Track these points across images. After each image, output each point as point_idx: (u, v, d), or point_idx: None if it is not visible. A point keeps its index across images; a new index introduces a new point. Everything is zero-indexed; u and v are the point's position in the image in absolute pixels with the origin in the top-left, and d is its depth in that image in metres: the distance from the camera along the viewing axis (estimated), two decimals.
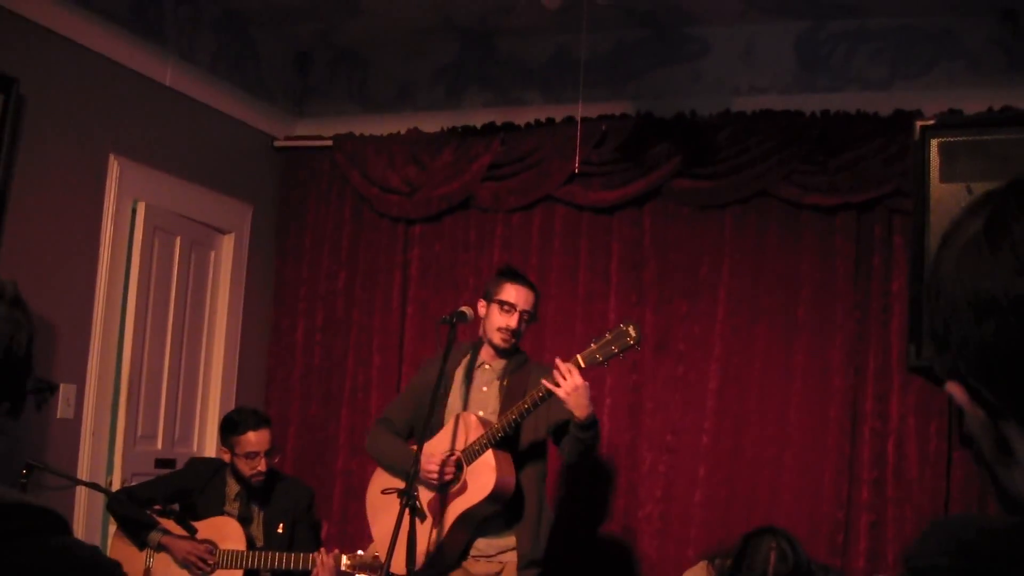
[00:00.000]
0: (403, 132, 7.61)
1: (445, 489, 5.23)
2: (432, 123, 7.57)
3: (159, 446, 6.96)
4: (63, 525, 1.72)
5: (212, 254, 7.51)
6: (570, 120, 7.06)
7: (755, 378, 6.79)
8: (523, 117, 7.33)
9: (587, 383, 4.96)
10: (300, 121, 8.05)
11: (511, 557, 5.26)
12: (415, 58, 7.73)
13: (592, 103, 6.98)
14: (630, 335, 4.91)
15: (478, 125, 7.41)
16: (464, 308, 5.22)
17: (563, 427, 5.20)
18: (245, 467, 5.79)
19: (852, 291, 6.67)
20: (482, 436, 5.15)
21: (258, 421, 5.83)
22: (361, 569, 5.43)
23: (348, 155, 7.65)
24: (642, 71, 7.24)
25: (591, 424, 5.02)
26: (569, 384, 4.89)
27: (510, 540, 5.27)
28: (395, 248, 7.58)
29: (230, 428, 5.86)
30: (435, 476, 5.15)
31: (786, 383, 6.74)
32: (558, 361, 4.99)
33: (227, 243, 7.60)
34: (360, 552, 5.48)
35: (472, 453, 5.17)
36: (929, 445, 6.51)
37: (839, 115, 6.65)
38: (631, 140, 6.97)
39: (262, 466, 5.78)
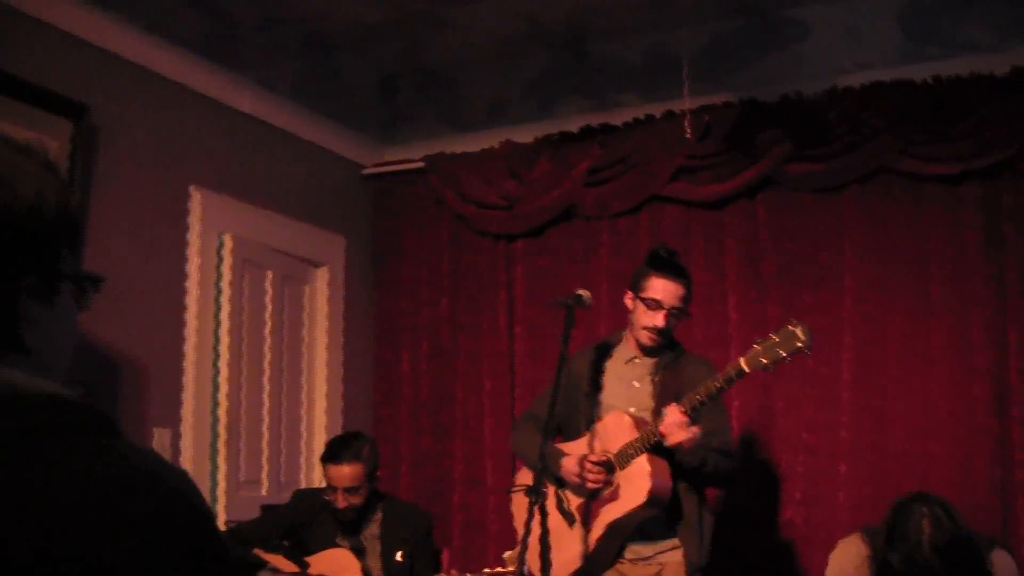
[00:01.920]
0: (497, 146, 7.41)
1: (596, 495, 4.95)
2: (527, 136, 7.34)
3: (264, 492, 6.71)
4: (113, 425, 1.44)
5: (306, 288, 7.30)
6: (670, 115, 6.85)
7: (891, 365, 6.44)
8: (621, 118, 7.08)
9: (697, 434, 4.72)
10: (388, 147, 7.86)
11: (671, 557, 4.97)
12: (504, 72, 7.53)
13: (693, 97, 6.71)
14: (799, 337, 4.64)
15: (575, 130, 7.18)
16: (581, 291, 4.87)
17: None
18: (331, 499, 5.59)
19: (985, 264, 6.32)
20: (636, 440, 4.86)
21: (337, 454, 5.54)
22: None
23: (441, 175, 7.45)
24: (743, 60, 6.97)
25: (701, 468, 4.83)
26: (679, 436, 4.68)
27: (671, 543, 4.98)
28: (497, 267, 7.37)
29: (322, 457, 5.68)
30: (577, 479, 4.91)
31: (925, 368, 6.38)
32: (670, 410, 4.74)
33: (321, 276, 7.39)
34: (487, 570, 5.07)
35: (625, 457, 4.88)
36: None
37: (952, 80, 6.32)
38: (737, 129, 6.67)
39: (340, 502, 5.53)
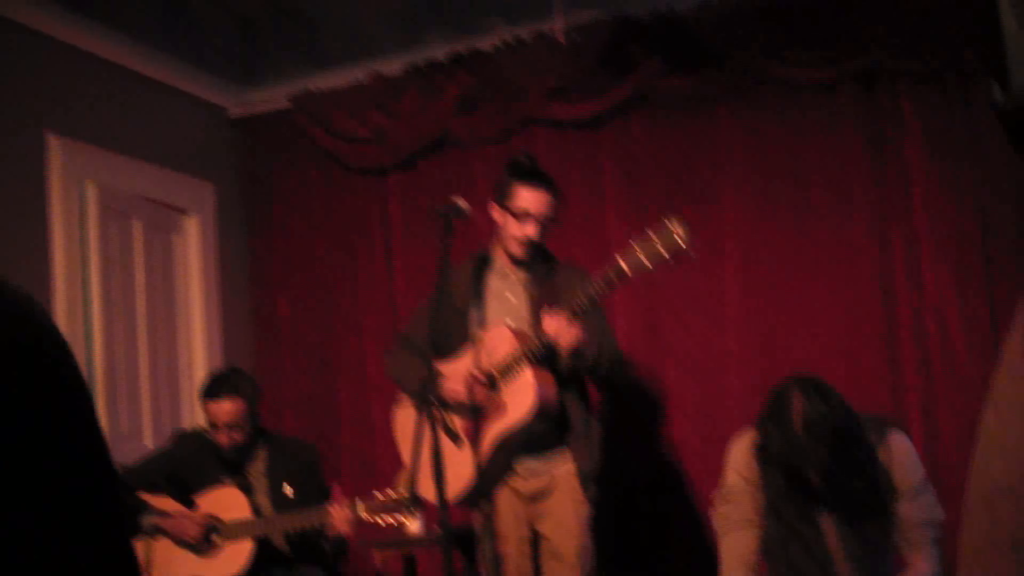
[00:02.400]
0: (364, 80, 7.22)
1: (480, 411, 4.77)
2: (394, 67, 7.16)
3: (148, 443, 6.49)
4: None
5: (176, 237, 7.09)
6: (541, 37, 6.69)
7: (776, 275, 6.41)
8: (490, 43, 6.91)
9: (582, 336, 4.60)
10: (254, 90, 7.63)
11: (565, 469, 4.84)
12: (365, 3, 7.16)
13: (563, 17, 6.53)
14: (678, 233, 4.34)
15: (443, 58, 7.02)
16: (459, 200, 4.58)
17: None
18: (214, 437, 5.44)
19: (865, 167, 6.32)
20: (518, 351, 4.70)
21: (216, 390, 5.39)
22: (383, 511, 4.99)
23: (309, 113, 7.27)
24: None
25: (594, 367, 4.75)
26: (567, 337, 4.56)
27: (561, 454, 4.86)
28: (371, 203, 7.23)
29: (200, 394, 5.51)
30: (461, 397, 4.75)
31: (810, 274, 6.36)
32: (550, 315, 4.60)
33: (192, 224, 7.20)
34: (377, 493, 5.03)
35: (509, 370, 4.72)
36: (971, 312, 6.14)
37: None
38: (609, 48, 6.55)
39: (222, 439, 5.38)
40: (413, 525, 5.88)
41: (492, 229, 5.08)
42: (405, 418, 5.09)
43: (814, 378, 4.20)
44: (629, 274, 4.46)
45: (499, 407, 4.73)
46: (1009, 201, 6.26)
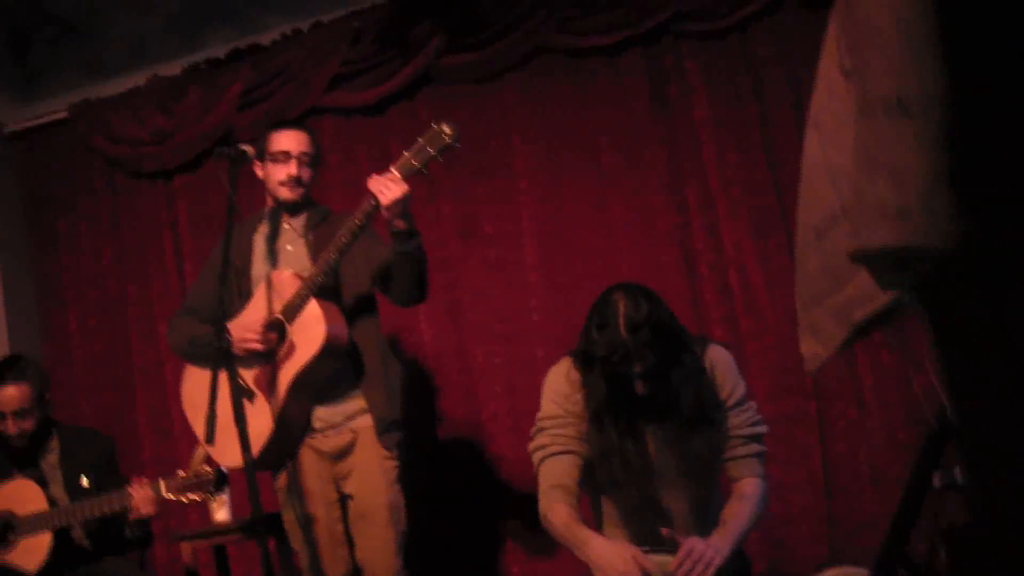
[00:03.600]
0: (143, 83, 7.04)
1: (270, 359, 4.62)
2: (175, 70, 7.02)
3: None
4: None
5: None
6: (318, 26, 6.64)
7: (574, 242, 6.36)
8: (269, 38, 6.83)
9: (409, 189, 4.51)
10: (31, 104, 7.37)
11: (363, 422, 4.72)
12: (142, 10, 7.10)
13: (339, 7, 6.64)
14: (445, 132, 4.44)
15: (223, 56, 6.88)
16: (245, 146, 4.66)
17: (386, 271, 4.74)
18: (1, 428, 5.20)
19: (654, 128, 6.32)
20: (300, 288, 4.59)
21: (1, 376, 5.17)
22: (186, 489, 4.77)
23: (88, 121, 7.04)
24: None
25: (412, 232, 4.60)
26: (396, 190, 4.45)
27: (358, 403, 4.73)
28: (159, 207, 7.00)
29: None
30: (256, 345, 4.60)
31: (608, 239, 6.32)
32: (374, 176, 4.55)
33: None
34: (180, 472, 4.83)
35: (293, 309, 4.59)
36: (772, 263, 6.17)
37: None
38: (389, 29, 6.50)
39: (10, 428, 5.15)
40: (221, 512, 5.73)
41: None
42: (191, 388, 4.93)
43: (640, 286, 4.20)
44: (402, 175, 4.50)
45: (289, 350, 4.58)
46: (797, 150, 6.40)
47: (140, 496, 4.86)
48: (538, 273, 6.38)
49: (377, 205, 4.47)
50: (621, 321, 3.99)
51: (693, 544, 3.95)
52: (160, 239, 6.97)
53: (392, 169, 4.51)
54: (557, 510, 4.20)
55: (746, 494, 4.26)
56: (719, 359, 4.29)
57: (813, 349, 2.21)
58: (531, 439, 4.36)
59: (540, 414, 4.35)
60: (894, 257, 1.69)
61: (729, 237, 6.24)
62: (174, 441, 6.70)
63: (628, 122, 6.35)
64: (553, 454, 4.26)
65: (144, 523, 5.00)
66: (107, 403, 6.89)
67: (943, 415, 2.44)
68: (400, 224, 4.54)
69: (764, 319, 6.20)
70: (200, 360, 4.86)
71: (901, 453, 6.03)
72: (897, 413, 6.08)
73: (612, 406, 4.09)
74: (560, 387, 4.32)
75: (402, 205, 4.48)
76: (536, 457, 4.31)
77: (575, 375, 4.29)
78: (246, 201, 5.04)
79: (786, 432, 6.13)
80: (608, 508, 4.28)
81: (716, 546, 4.00)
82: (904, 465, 5.87)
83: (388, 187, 4.46)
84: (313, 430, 4.75)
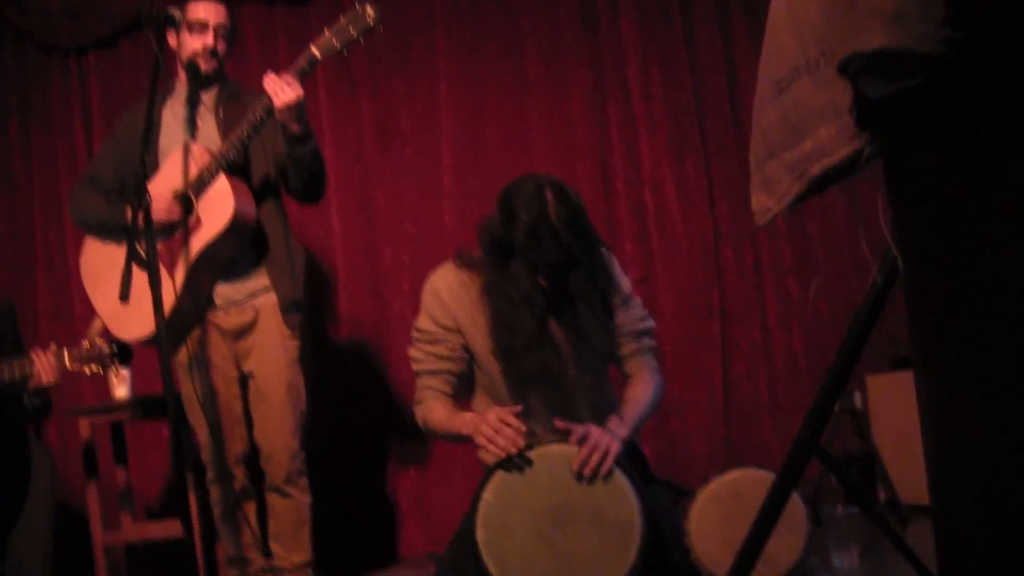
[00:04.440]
0: None
1: (173, 231, 4.56)
2: None
3: None
4: None
5: None
6: None
7: (491, 147, 6.37)
8: None
9: (304, 94, 4.44)
10: None
11: (265, 301, 4.69)
12: None
13: None
14: (368, 13, 4.36)
15: None
16: (173, 9, 4.51)
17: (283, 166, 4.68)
18: None
19: (582, 42, 6.33)
20: (210, 163, 4.49)
21: None
22: (90, 360, 4.62)
23: None
24: None
25: (306, 136, 4.53)
26: (290, 93, 4.36)
27: (261, 281, 4.69)
28: (70, 84, 6.79)
29: None
30: (161, 215, 4.46)
31: (525, 146, 6.34)
32: (270, 74, 4.43)
33: None
34: (85, 342, 4.66)
35: (202, 183, 4.51)
36: (688, 184, 6.22)
37: None
38: None
39: None
40: (121, 389, 5.67)
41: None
42: (91, 261, 4.86)
43: (555, 178, 4.20)
44: (320, 58, 4.43)
45: (196, 224, 4.50)
46: (720, 74, 6.45)
47: (43, 363, 4.67)
48: (452, 176, 6.35)
49: (270, 111, 4.41)
50: (551, 209, 3.96)
51: (590, 429, 3.96)
52: (70, 118, 6.78)
53: (312, 48, 4.43)
54: (434, 408, 4.21)
55: (641, 387, 4.29)
56: (609, 255, 4.33)
57: (764, 203, 2.22)
58: (411, 344, 4.36)
59: (416, 323, 4.31)
60: (886, 63, 1.71)
61: (647, 156, 6.29)
62: (74, 323, 6.56)
63: (554, 32, 6.34)
64: (427, 372, 4.25)
65: (44, 392, 4.81)
66: (4, 282, 6.73)
67: (892, 265, 2.48)
68: (294, 127, 4.46)
69: (675, 239, 6.27)
70: (101, 232, 4.79)
71: (801, 380, 6.13)
72: (799, 341, 6.18)
73: (534, 296, 4.08)
74: (434, 299, 4.28)
75: (296, 110, 4.40)
76: (413, 367, 4.31)
77: (463, 275, 4.26)
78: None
79: (689, 351, 6.21)
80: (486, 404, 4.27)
81: (613, 431, 4.03)
82: (803, 393, 5.99)
83: (283, 90, 4.38)
84: (215, 307, 4.69)
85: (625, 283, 4.32)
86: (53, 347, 4.72)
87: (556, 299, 4.08)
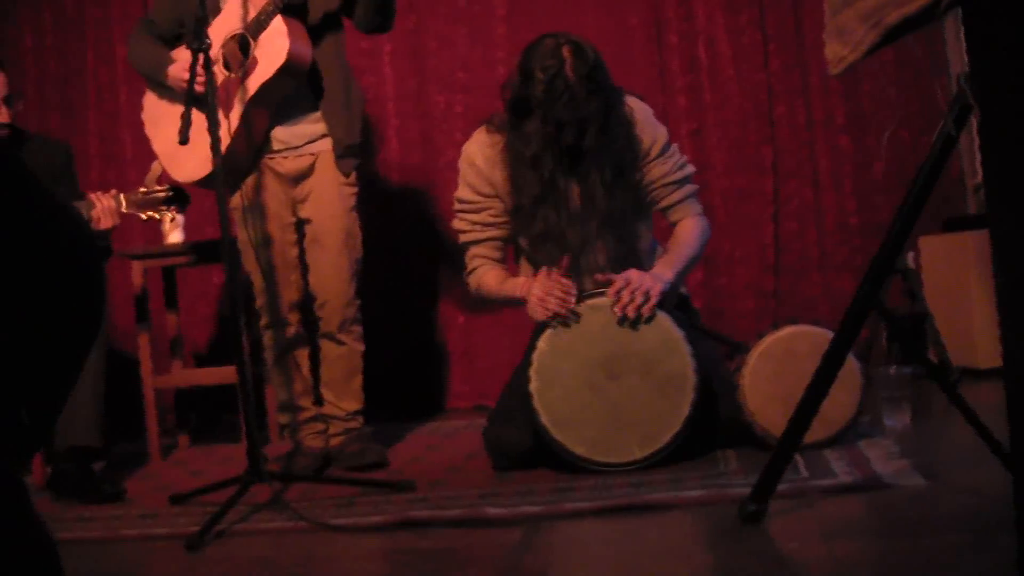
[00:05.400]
0: None
1: (230, 72, 4.52)
2: None
3: None
4: None
5: None
6: None
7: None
8: None
9: None
10: None
11: (322, 146, 4.64)
12: None
13: None
14: None
15: None
16: None
17: None
18: None
19: None
20: (267, 4, 4.43)
21: None
22: (146, 206, 4.55)
23: None
24: None
25: None
26: None
27: (318, 127, 4.63)
28: None
29: None
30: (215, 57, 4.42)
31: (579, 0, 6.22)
32: None
33: None
34: (142, 189, 4.64)
35: (258, 25, 4.46)
36: (743, 38, 6.17)
37: None
38: None
39: (3, 116, 4.82)
40: (174, 235, 5.70)
41: None
42: (153, 101, 4.82)
43: (575, 35, 4.21)
44: None
45: (252, 65, 4.47)
46: None
47: (103, 206, 4.64)
48: (506, 25, 6.30)
49: None
50: (568, 66, 4.01)
51: (630, 274, 4.02)
52: None
53: None
54: (487, 276, 4.33)
55: (684, 232, 4.34)
56: (638, 108, 4.32)
57: (839, 52, 2.21)
58: (453, 216, 4.41)
59: (457, 194, 4.38)
60: None
61: (701, 9, 6.23)
62: (124, 166, 6.56)
63: None
64: (473, 241, 4.35)
65: (104, 235, 4.81)
66: (56, 125, 6.73)
67: (961, 113, 2.47)
68: None
69: (728, 93, 6.23)
70: (153, 79, 4.78)
71: (851, 238, 6.13)
72: (850, 200, 6.17)
73: (548, 154, 4.14)
74: (471, 167, 4.34)
75: None
76: (458, 239, 4.42)
77: (494, 138, 4.31)
78: None
79: (739, 207, 6.21)
80: (532, 270, 4.32)
81: (656, 274, 4.07)
82: (854, 252, 6.00)
83: None
84: (272, 150, 4.66)
85: (660, 134, 4.33)
86: (113, 191, 4.70)
87: (572, 158, 4.07)
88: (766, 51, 6.20)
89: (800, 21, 6.19)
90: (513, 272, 4.41)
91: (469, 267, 4.37)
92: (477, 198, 4.27)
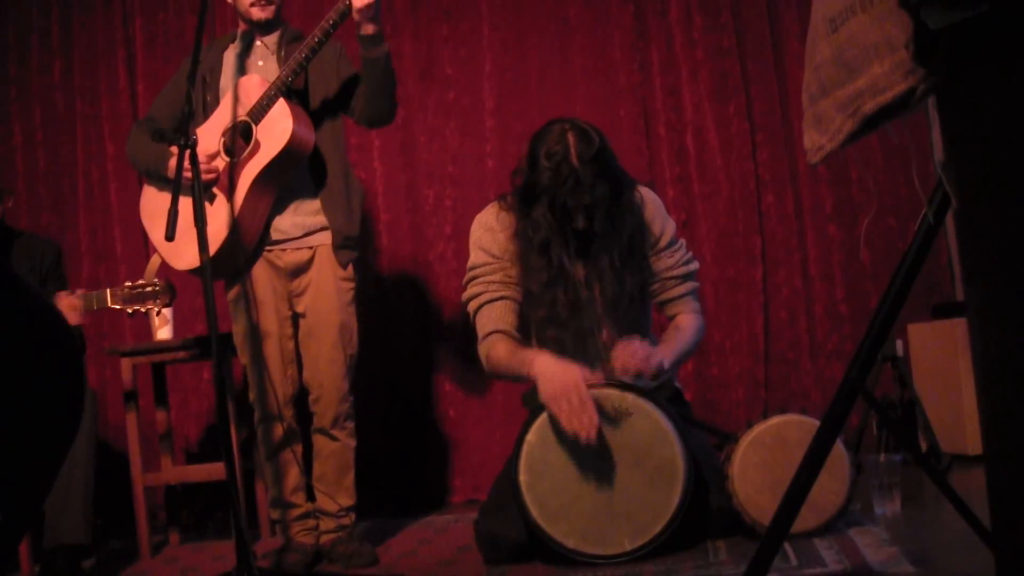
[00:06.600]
0: None
1: (234, 158, 4.60)
2: None
3: None
4: None
5: None
6: None
7: (533, 90, 6.39)
8: None
9: None
10: None
11: (321, 239, 4.70)
12: None
13: None
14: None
15: None
16: None
17: (354, 83, 4.74)
18: None
19: None
20: (268, 89, 4.52)
21: None
22: (132, 300, 4.73)
23: None
24: None
25: (380, 38, 4.56)
26: None
27: (317, 219, 4.70)
28: (113, 23, 6.79)
29: None
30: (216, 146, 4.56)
31: (567, 90, 6.35)
32: None
33: None
34: (128, 284, 4.79)
35: (261, 109, 4.53)
36: (730, 128, 6.25)
37: None
38: None
39: None
40: (164, 330, 5.75)
41: None
42: (150, 197, 4.87)
43: (580, 121, 4.30)
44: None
45: (254, 149, 4.54)
46: (763, 17, 6.46)
47: (64, 304, 4.78)
48: (495, 119, 6.37)
49: (349, 6, 4.42)
50: (573, 152, 4.09)
51: (632, 341, 4.10)
52: (113, 57, 6.80)
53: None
54: (498, 346, 4.30)
55: (683, 324, 4.41)
56: (648, 198, 4.40)
57: (817, 141, 2.27)
58: (464, 290, 4.45)
59: (470, 263, 4.42)
60: None
61: (689, 99, 6.33)
62: (115, 263, 6.61)
63: None
64: (488, 301, 4.36)
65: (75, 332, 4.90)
66: (47, 222, 6.79)
67: (942, 203, 2.52)
68: (369, 28, 4.50)
69: (717, 183, 6.30)
70: (151, 177, 4.88)
71: (841, 326, 6.19)
72: (840, 288, 6.23)
73: (556, 239, 4.21)
74: (487, 232, 4.40)
75: (374, 8, 4.44)
76: (471, 307, 4.42)
77: (504, 216, 4.38)
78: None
79: (730, 296, 6.25)
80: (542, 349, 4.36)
81: (655, 350, 4.15)
82: (844, 339, 6.06)
83: None
84: (271, 241, 4.70)
85: (669, 225, 4.42)
86: (79, 291, 4.84)
87: (581, 242, 4.14)
88: (754, 141, 6.29)
89: (787, 110, 6.29)
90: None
91: (482, 333, 4.37)
92: (491, 259, 4.33)
